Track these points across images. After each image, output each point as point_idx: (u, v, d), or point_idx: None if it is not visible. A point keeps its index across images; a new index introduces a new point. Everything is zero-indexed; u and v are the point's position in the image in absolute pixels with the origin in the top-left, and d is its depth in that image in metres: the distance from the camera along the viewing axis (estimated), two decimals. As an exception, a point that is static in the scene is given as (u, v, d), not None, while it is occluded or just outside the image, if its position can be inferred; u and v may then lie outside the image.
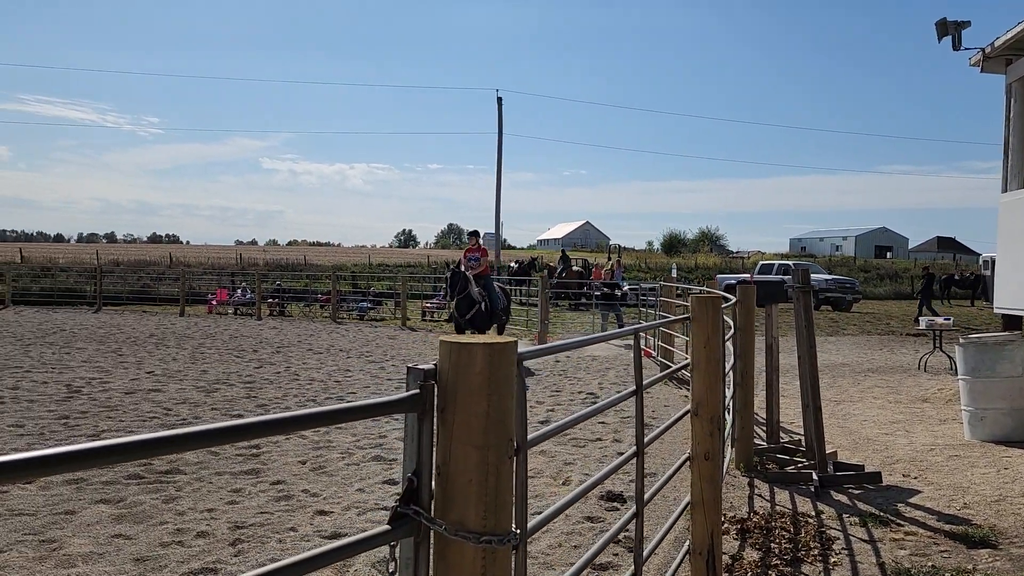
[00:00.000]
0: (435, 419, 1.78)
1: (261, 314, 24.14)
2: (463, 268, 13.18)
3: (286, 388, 10.98)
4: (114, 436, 7.76)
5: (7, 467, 1.09)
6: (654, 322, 6.76)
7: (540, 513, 2.51)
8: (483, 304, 12.90)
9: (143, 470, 6.36)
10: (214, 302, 26.15)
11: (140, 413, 8.92)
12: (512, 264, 34.33)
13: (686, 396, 10.48)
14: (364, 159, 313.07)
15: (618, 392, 10.69)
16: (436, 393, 1.78)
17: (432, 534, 1.76)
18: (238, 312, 25.32)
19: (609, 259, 30.58)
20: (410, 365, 1.79)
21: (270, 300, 25.90)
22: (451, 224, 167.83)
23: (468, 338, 1.81)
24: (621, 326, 19.11)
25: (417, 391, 1.75)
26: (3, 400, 9.49)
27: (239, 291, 26.76)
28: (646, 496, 3.54)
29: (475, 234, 14.26)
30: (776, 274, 29.99)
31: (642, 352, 3.28)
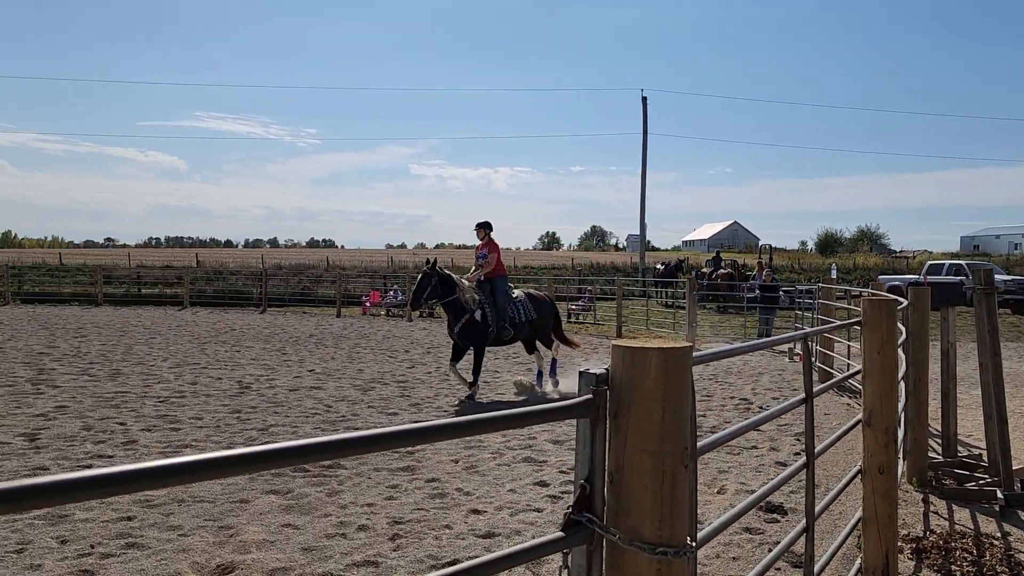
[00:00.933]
0: (607, 425, 1.74)
1: (411, 315, 24.95)
2: (474, 268, 11.20)
3: (437, 388, 11.26)
4: (281, 431, 8.23)
5: (218, 463, 1.14)
6: (823, 327, 6.41)
7: (701, 522, 2.42)
8: (479, 313, 10.54)
9: (308, 464, 6.68)
10: (367, 304, 27.27)
11: (304, 409, 9.40)
12: (658, 266, 33.78)
13: (850, 405, 9.91)
14: (508, 163, 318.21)
15: (774, 399, 10.29)
16: (609, 398, 1.73)
17: (605, 542, 1.72)
18: (390, 314, 26.28)
19: (759, 260, 29.50)
20: (582, 370, 1.76)
21: (420, 302, 26.74)
22: (594, 226, 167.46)
23: (643, 342, 1.75)
24: (768, 332, 18.34)
25: (590, 396, 1.71)
26: (184, 394, 10.27)
27: (391, 293, 27.77)
28: (816, 509, 3.34)
29: (483, 226, 11.17)
30: (946, 275, 27.95)
31: (795, 357, 3.10)
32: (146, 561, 4.55)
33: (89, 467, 5.72)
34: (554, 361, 11.52)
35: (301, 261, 50.41)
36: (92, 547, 4.75)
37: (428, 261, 10.74)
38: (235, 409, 9.31)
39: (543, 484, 6.32)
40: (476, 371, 10.60)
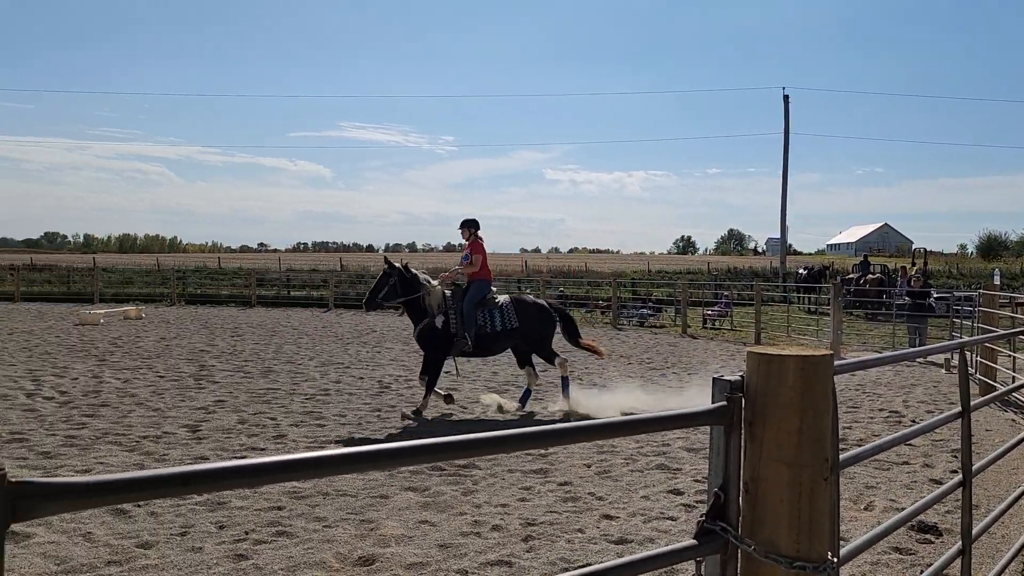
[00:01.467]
0: (742, 433, 1.70)
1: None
2: (459, 267, 10.18)
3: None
4: (419, 430, 8.49)
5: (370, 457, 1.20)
6: (983, 336, 5.97)
7: (845, 538, 2.31)
8: (440, 319, 9.52)
9: (444, 462, 6.87)
10: (502, 307, 27.69)
11: (440, 408, 9.65)
12: (800, 270, 32.44)
13: (1016, 421, 9.18)
14: (642, 166, 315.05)
15: (928, 412, 9.66)
16: (744, 406, 1.70)
17: (740, 553, 1.68)
18: (524, 317, 26.57)
19: (913, 264, 27.78)
20: (715, 376, 1.73)
21: (553, 306, 26.92)
22: (731, 230, 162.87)
23: (780, 349, 1.70)
24: (921, 341, 17.22)
25: (724, 403, 1.68)
26: (328, 392, 10.78)
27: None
28: (974, 531, 3.13)
29: (467, 224, 10.09)
30: None
31: (953, 368, 2.90)
32: (294, 549, 4.82)
33: (243, 458, 6.11)
34: (564, 380, 9.91)
35: (438, 265, 51.85)
36: (246, 533, 5.08)
37: (386, 261, 9.86)
38: (376, 408, 9.69)
39: (677, 492, 6.22)
40: (427, 382, 9.41)
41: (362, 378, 12.19)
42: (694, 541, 1.65)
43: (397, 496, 5.96)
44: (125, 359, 13.82)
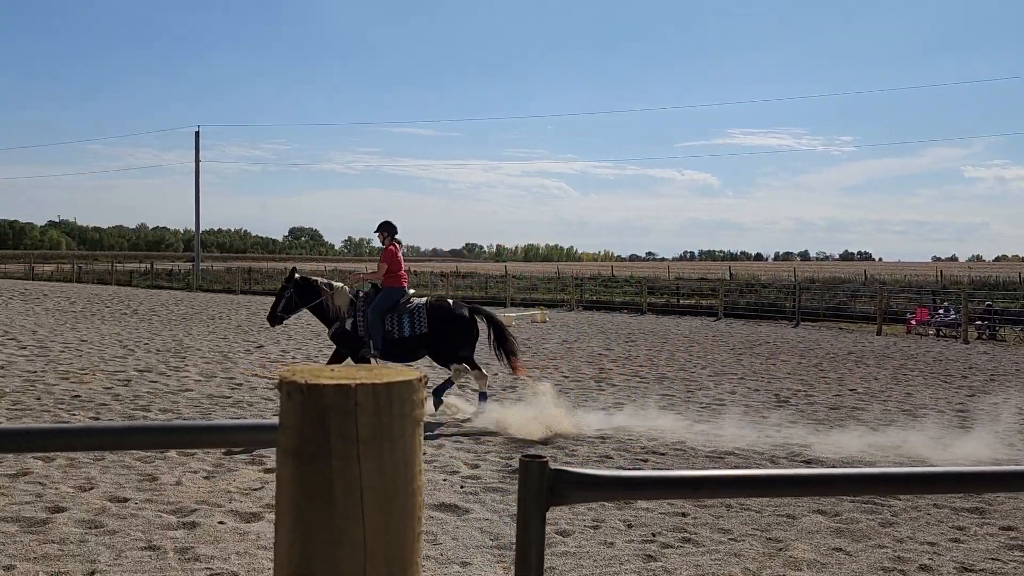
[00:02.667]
0: None
1: (968, 337, 22.10)
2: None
3: (1008, 422, 9.73)
4: (822, 447, 7.96)
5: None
6: None
7: None
8: (349, 322, 9.43)
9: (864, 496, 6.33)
10: (913, 321, 24.98)
11: (844, 429, 8.96)
12: None
13: None
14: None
15: None
16: None
17: None
18: (940, 333, 23.68)
19: None
20: None
21: (978, 322, 23.55)
22: None
23: None
24: None
25: None
26: (724, 403, 10.64)
27: (941, 311, 25.01)
28: None
29: (381, 228, 9.92)
30: None
31: None
32: (701, 557, 4.80)
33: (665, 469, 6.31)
34: (447, 383, 9.57)
35: (835, 274, 48.63)
36: (653, 535, 5.19)
37: (290, 272, 9.94)
38: (775, 423, 9.32)
39: None
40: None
41: (758, 390, 11.84)
42: None
43: (805, 518, 5.63)
44: (534, 359, 15.13)
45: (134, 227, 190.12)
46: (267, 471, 6.52)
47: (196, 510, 5.46)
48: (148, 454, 6.80)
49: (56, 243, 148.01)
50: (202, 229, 55.52)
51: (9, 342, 15.10)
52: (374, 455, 0.95)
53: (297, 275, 9.88)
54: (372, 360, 9.35)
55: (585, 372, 13.40)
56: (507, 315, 24.17)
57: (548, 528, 5.17)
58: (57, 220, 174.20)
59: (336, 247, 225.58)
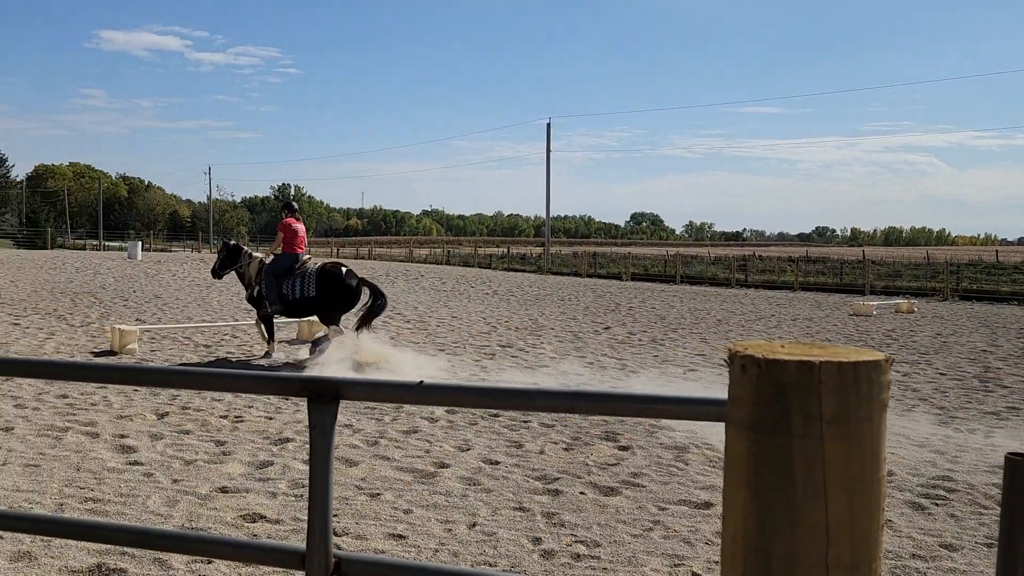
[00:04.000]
0: None
1: None
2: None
3: None
4: None
5: None
6: None
7: None
8: (256, 289, 11.15)
9: None
10: None
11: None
12: None
13: None
14: None
15: None
16: None
17: None
18: None
19: None
20: None
21: None
22: None
23: None
24: None
25: None
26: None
27: None
28: None
29: (283, 207, 11.81)
30: None
31: None
32: None
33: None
34: (323, 339, 10.88)
35: None
36: None
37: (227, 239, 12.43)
38: None
39: None
40: (264, 328, 11.25)
41: None
42: None
43: None
44: (902, 352, 13.69)
45: (491, 214, 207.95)
46: (621, 448, 6.66)
47: (558, 479, 5.73)
48: (514, 423, 7.33)
49: (428, 230, 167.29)
50: (551, 216, 58.93)
51: (396, 316, 17.32)
52: (839, 435, 0.84)
53: (231, 242, 12.10)
54: (273, 316, 11.09)
55: (966, 370, 11.81)
56: (867, 303, 22.23)
57: (929, 539, 4.60)
58: (429, 209, 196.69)
59: (677, 232, 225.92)
